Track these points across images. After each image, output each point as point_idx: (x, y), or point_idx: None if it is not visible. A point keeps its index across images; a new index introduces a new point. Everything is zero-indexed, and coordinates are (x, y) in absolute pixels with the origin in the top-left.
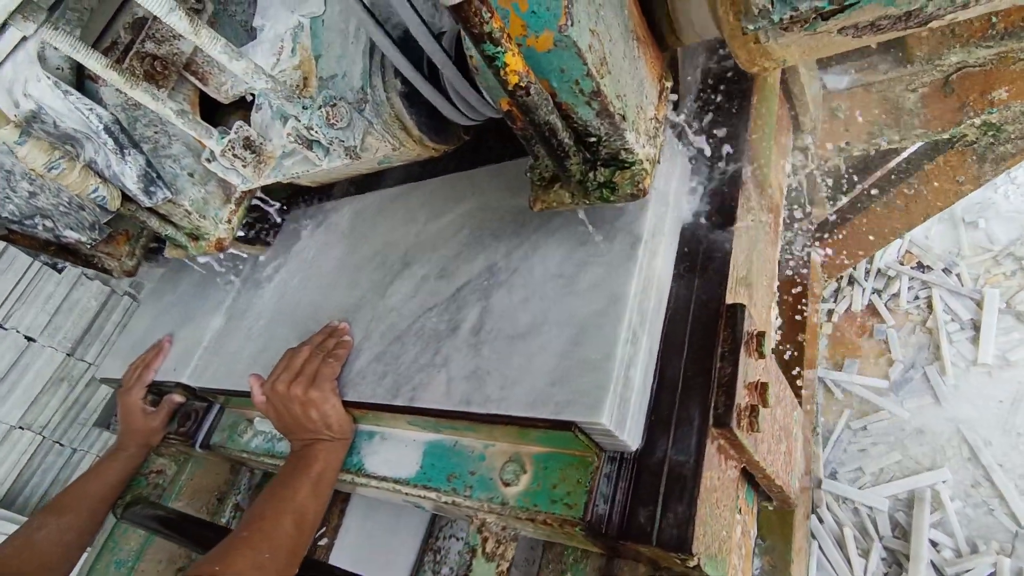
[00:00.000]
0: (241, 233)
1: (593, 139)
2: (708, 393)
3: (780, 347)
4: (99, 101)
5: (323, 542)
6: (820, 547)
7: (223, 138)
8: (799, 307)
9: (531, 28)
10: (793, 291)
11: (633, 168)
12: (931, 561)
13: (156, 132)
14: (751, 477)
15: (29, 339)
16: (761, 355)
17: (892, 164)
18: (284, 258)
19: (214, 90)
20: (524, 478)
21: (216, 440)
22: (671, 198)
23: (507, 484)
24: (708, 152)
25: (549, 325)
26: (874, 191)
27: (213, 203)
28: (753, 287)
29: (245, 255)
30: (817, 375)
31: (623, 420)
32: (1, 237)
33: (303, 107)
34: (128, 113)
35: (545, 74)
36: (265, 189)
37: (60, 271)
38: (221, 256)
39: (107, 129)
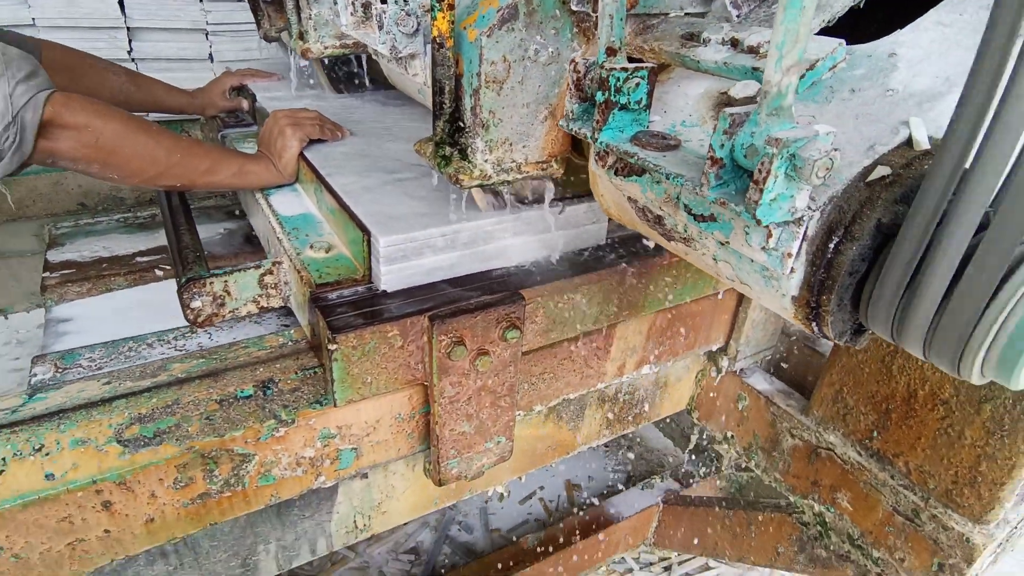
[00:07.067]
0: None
1: (460, 124)
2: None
3: None
4: None
5: None
6: None
7: None
8: None
9: (477, 25)
10: None
11: (466, 165)
12: None
13: None
14: None
15: None
16: None
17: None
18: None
19: None
20: (322, 254)
21: (230, 136)
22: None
23: (312, 248)
24: None
25: (420, 201)
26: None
27: (328, 29)
28: None
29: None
30: None
31: (392, 262)
32: None
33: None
34: None
35: (465, 57)
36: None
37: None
38: (303, 64)
39: None
